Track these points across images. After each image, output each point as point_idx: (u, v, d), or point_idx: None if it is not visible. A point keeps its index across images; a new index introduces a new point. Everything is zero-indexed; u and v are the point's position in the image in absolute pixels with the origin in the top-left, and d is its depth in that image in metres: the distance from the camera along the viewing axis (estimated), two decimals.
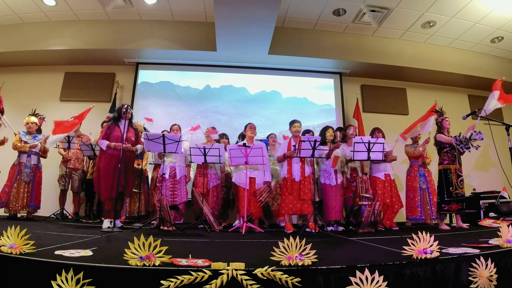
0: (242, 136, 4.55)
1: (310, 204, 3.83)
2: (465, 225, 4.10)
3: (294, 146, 3.98)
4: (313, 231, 3.66)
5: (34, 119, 4.56)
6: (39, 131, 4.62)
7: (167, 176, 4.08)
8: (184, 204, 4.27)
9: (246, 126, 4.35)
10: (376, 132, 4.42)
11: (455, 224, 4.28)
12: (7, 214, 4.32)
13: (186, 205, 4.43)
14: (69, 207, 5.29)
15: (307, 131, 4.79)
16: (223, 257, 1.88)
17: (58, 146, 4.66)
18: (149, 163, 4.97)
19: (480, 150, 3.98)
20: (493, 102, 4.20)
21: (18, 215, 4.32)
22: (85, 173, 5.08)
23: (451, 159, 4.08)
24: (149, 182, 4.98)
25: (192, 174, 4.67)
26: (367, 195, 3.91)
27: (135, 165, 4.34)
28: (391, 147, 4.42)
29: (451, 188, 4.01)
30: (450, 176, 4.03)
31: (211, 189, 4.36)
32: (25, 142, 4.37)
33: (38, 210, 4.50)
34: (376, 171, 4.31)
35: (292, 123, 4.16)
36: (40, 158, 4.53)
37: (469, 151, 3.90)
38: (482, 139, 3.74)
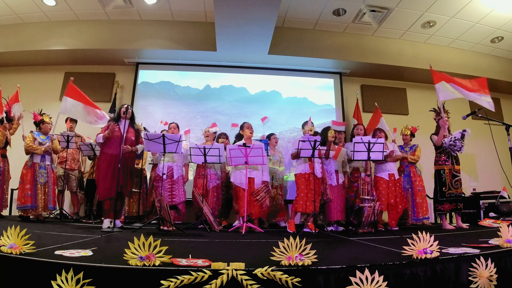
0: (239, 137, 4.53)
1: (318, 203, 3.85)
2: (464, 225, 4.10)
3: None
4: (313, 231, 3.66)
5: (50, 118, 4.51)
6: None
7: (164, 176, 4.07)
8: (183, 204, 4.27)
9: (243, 126, 4.33)
10: (377, 132, 4.41)
11: (454, 224, 4.28)
12: (21, 215, 4.22)
13: (186, 205, 4.43)
14: (69, 207, 5.30)
15: (314, 133, 4.79)
16: (223, 257, 1.88)
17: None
18: (149, 163, 4.97)
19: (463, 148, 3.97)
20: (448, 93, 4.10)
21: (31, 217, 4.24)
22: (81, 173, 5.07)
23: (444, 160, 4.09)
24: (147, 182, 4.98)
25: (191, 175, 4.67)
26: (368, 197, 3.89)
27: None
28: (394, 146, 4.40)
29: (444, 188, 4.02)
30: (444, 176, 4.04)
31: (211, 189, 4.35)
32: (40, 143, 4.29)
33: (55, 211, 4.45)
34: (380, 171, 4.30)
35: (305, 123, 4.24)
36: (52, 158, 4.48)
37: (461, 151, 3.94)
38: (466, 133, 3.82)
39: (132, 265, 1.49)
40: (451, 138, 3.90)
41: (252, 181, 4.03)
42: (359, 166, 4.47)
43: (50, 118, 4.60)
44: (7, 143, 4.35)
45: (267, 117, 5.40)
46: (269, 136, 4.94)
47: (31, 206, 4.13)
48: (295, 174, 4.07)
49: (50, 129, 4.47)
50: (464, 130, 3.90)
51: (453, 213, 4.25)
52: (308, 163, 3.95)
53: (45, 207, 4.22)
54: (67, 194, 5.09)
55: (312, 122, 4.33)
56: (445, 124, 4.07)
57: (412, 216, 4.51)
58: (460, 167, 4.19)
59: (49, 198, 4.26)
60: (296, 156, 3.99)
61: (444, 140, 4.00)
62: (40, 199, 4.17)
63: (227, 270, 1.45)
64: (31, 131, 4.37)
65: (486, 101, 3.88)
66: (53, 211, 4.41)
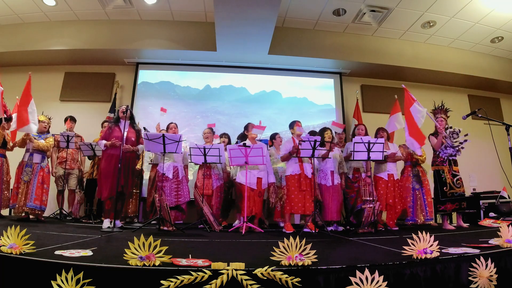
0: (242, 137, 4.54)
1: (312, 203, 3.84)
2: (465, 225, 4.10)
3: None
4: (313, 231, 3.65)
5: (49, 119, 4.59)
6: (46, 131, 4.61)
7: (170, 176, 4.05)
8: (185, 203, 4.27)
9: (248, 126, 4.33)
10: (380, 131, 4.41)
11: (454, 224, 4.28)
12: (21, 215, 4.21)
13: (188, 205, 4.42)
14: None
15: (312, 132, 4.78)
16: (223, 257, 1.88)
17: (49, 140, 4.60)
18: (148, 163, 4.97)
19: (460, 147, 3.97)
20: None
21: (31, 217, 4.21)
22: (81, 172, 5.07)
23: (442, 160, 4.08)
24: (145, 183, 4.98)
25: (191, 175, 4.67)
26: (370, 199, 3.88)
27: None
28: (396, 149, 4.38)
29: (445, 188, 4.00)
30: (444, 176, 4.02)
31: (215, 190, 4.35)
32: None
33: (42, 211, 4.38)
34: (379, 171, 4.29)
35: (294, 123, 4.19)
36: (45, 157, 4.45)
37: (459, 154, 3.95)
38: (459, 132, 3.82)
39: (132, 265, 1.49)
40: (443, 146, 3.93)
41: (260, 182, 4.03)
42: (359, 167, 4.46)
43: (50, 119, 4.61)
44: (5, 142, 4.35)
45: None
46: (273, 136, 4.92)
47: (13, 205, 4.16)
48: (285, 176, 4.05)
49: (45, 128, 4.51)
50: (450, 129, 3.93)
51: (453, 213, 4.24)
52: (298, 163, 3.93)
53: (24, 205, 4.14)
54: (67, 194, 5.08)
55: (299, 126, 4.26)
56: (442, 132, 4.04)
57: (425, 215, 4.40)
58: (459, 167, 4.18)
59: (31, 196, 4.15)
60: (286, 158, 4.02)
61: (441, 148, 4.03)
62: (18, 197, 4.14)
63: (227, 270, 1.45)
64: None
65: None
66: (37, 210, 4.29)
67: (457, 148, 3.95)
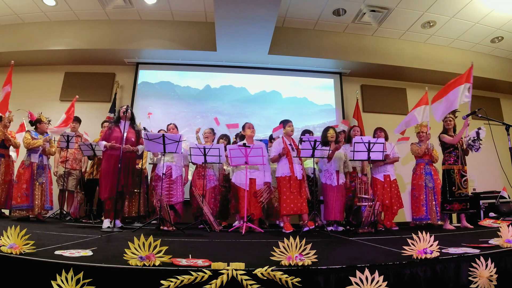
0: (241, 137, 4.54)
1: (305, 203, 3.84)
2: (470, 226, 4.09)
3: (290, 145, 3.99)
4: (311, 227, 3.64)
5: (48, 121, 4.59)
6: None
7: (163, 175, 4.05)
8: (181, 204, 4.27)
9: (244, 126, 4.33)
10: (378, 131, 4.40)
11: (457, 224, 4.27)
12: (19, 216, 4.15)
13: (184, 205, 4.42)
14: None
15: (307, 132, 4.78)
16: (223, 257, 1.88)
17: (56, 143, 4.64)
18: (149, 163, 4.97)
19: (481, 148, 3.94)
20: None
21: (31, 217, 4.21)
22: (82, 173, 5.07)
23: (454, 159, 4.07)
24: (148, 182, 4.98)
25: (190, 175, 4.67)
26: (366, 196, 3.89)
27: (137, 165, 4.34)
28: (393, 147, 4.38)
29: (453, 188, 4.00)
30: (453, 176, 4.02)
31: (209, 190, 4.35)
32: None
33: (50, 210, 4.43)
34: (376, 172, 4.29)
35: (286, 122, 4.16)
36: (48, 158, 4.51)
37: (479, 151, 3.90)
38: (480, 131, 3.81)
39: (132, 265, 1.49)
40: (470, 138, 3.89)
41: (254, 182, 4.02)
42: (356, 166, 4.47)
43: (49, 121, 4.61)
44: (3, 142, 4.34)
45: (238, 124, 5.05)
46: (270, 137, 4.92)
47: (27, 206, 4.10)
48: (276, 177, 4.03)
49: (47, 128, 4.51)
50: (479, 128, 3.88)
51: (454, 214, 4.23)
52: (288, 165, 3.91)
53: (42, 207, 4.20)
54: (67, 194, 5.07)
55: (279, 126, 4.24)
56: (466, 124, 3.95)
57: (437, 215, 4.25)
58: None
59: (47, 198, 4.26)
60: (275, 160, 4.02)
61: (464, 139, 3.97)
62: (37, 199, 4.16)
63: (227, 270, 1.45)
64: (28, 131, 4.38)
65: (464, 95, 3.90)
66: (50, 211, 4.39)
67: (481, 144, 3.89)
